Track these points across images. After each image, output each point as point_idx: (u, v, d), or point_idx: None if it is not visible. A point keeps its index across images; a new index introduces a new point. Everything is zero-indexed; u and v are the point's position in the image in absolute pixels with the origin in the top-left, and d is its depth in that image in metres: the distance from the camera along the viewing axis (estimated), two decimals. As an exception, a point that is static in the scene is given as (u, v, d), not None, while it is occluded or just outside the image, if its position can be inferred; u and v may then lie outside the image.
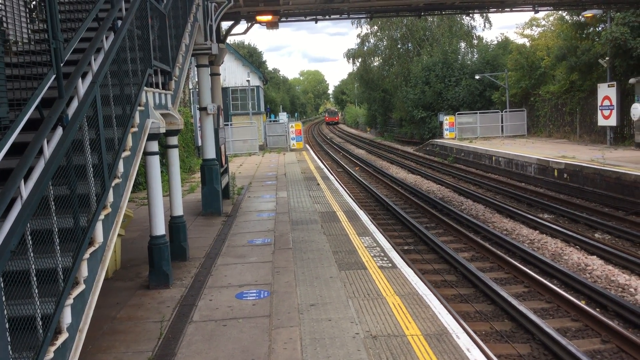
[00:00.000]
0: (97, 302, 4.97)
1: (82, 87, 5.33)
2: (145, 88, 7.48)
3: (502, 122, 37.18)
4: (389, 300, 7.26)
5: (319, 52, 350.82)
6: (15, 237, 3.51)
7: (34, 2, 7.08)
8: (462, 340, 5.93)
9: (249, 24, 19.03)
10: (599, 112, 27.14)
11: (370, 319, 6.62)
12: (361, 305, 7.09)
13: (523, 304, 9.29)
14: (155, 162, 8.38)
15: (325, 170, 24.59)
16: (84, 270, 4.72)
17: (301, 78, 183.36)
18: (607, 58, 26.35)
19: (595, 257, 12.02)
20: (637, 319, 8.51)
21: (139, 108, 7.10)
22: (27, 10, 6.39)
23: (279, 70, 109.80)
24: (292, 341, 6.06)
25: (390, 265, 8.93)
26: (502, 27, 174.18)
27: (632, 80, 24.45)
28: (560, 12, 31.18)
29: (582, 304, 9.12)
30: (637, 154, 22.47)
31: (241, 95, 42.96)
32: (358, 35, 73.34)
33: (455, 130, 37.68)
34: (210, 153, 14.33)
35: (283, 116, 56.10)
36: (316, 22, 21.06)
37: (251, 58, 68.52)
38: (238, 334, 6.34)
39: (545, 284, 10.15)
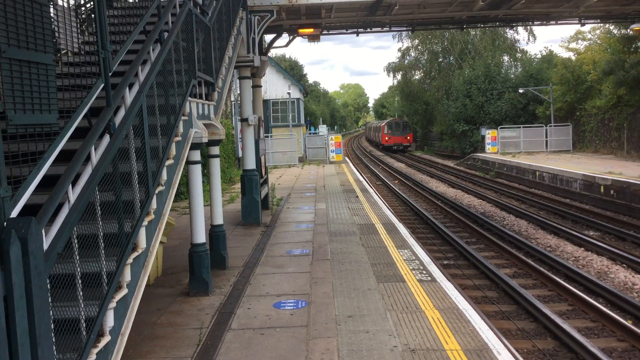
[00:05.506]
0: (138, 307, 5.05)
1: (129, 96, 5.47)
2: (189, 98, 7.63)
3: (546, 137, 36.43)
4: (427, 314, 7.16)
5: (360, 65, 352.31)
6: (62, 241, 3.62)
7: (84, 15, 7.33)
8: (503, 356, 5.79)
9: (291, 37, 19.27)
10: (648, 127, 26.32)
11: (409, 332, 6.54)
12: (399, 318, 7.01)
13: (567, 322, 9.03)
14: (197, 170, 8.52)
15: (364, 182, 24.51)
16: (127, 275, 4.82)
17: (341, 91, 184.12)
18: (656, 72, 25.59)
19: (643, 276, 11.61)
20: (689, 341, 8.16)
21: (182, 118, 7.25)
22: (78, 22, 6.61)
23: (320, 83, 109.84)
24: (330, 352, 6.03)
25: (429, 278, 8.81)
26: (546, 41, 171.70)
27: (683, 95, 23.67)
28: (607, 25, 30.47)
29: (628, 323, 8.81)
30: (688, 170, 21.67)
31: (282, 108, 43.34)
32: (399, 49, 73.39)
33: (498, 144, 37.12)
34: (251, 164, 14.48)
35: (323, 129, 56.21)
36: (357, 35, 21.15)
37: (292, 71, 69.15)
38: (275, 343, 6.35)
39: (590, 303, 9.84)
